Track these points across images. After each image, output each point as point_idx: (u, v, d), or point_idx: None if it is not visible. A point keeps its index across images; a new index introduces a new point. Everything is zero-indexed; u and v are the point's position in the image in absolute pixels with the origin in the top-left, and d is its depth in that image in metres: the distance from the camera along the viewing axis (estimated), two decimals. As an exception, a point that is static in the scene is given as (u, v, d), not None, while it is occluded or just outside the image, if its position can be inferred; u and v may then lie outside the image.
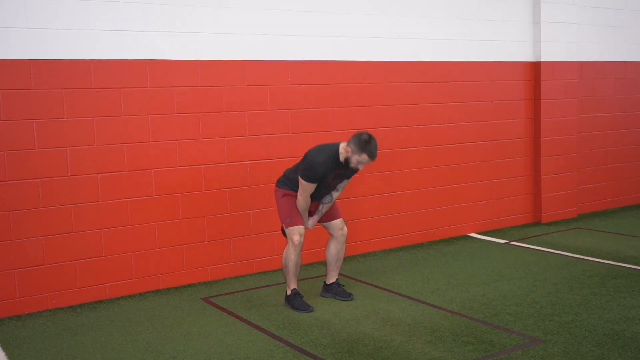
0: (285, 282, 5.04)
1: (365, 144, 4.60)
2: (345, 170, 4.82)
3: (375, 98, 6.52)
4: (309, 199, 4.87)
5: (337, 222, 5.06)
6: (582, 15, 7.99)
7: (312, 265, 6.13)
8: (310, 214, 5.02)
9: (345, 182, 4.99)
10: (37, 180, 4.99)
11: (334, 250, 5.09)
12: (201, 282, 5.70)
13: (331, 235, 5.10)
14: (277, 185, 5.01)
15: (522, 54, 7.56)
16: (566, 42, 7.75)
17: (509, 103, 7.51)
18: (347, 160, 4.71)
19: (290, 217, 4.86)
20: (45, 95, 4.98)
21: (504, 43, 7.40)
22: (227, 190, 5.79)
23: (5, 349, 4.31)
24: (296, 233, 4.85)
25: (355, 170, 4.83)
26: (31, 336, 4.54)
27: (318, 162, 4.69)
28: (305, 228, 4.98)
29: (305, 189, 4.78)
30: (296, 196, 4.89)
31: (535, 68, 7.63)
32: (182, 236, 5.61)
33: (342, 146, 4.73)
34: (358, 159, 4.65)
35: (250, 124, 5.85)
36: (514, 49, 7.48)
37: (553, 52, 7.64)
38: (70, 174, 5.11)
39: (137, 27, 5.28)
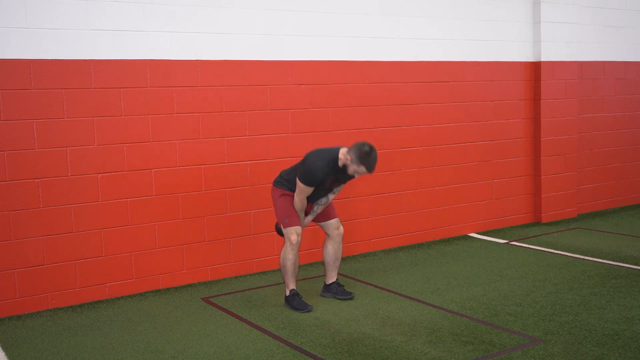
0: (284, 283, 5.04)
1: (366, 155, 4.60)
2: (343, 175, 4.83)
3: (375, 98, 6.52)
4: (305, 201, 4.89)
5: (333, 222, 5.07)
6: (582, 15, 7.99)
7: (312, 265, 6.13)
8: (305, 214, 5.03)
9: (342, 185, 5.00)
10: (37, 180, 4.99)
11: (332, 250, 5.09)
12: (201, 282, 5.70)
13: (327, 235, 5.11)
14: (274, 185, 5.02)
15: (522, 54, 7.56)
16: (566, 42, 7.75)
17: (509, 103, 7.51)
18: (345, 166, 4.72)
19: (288, 217, 4.87)
20: (45, 95, 4.98)
21: (504, 43, 7.40)
22: (227, 190, 5.79)
23: (5, 349, 4.31)
24: (293, 233, 4.85)
25: (353, 176, 4.83)
26: (31, 336, 4.54)
27: (317, 166, 4.69)
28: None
29: (302, 191, 4.79)
30: (293, 196, 4.89)
31: (535, 68, 7.63)
32: (182, 236, 5.61)
33: (342, 152, 4.73)
34: (356, 169, 4.65)
35: (250, 124, 5.85)
36: (514, 49, 7.48)
37: (553, 52, 7.64)
38: (70, 174, 5.12)
39: (137, 27, 5.28)
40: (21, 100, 4.90)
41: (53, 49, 4.98)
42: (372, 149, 4.63)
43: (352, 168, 4.67)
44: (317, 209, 5.00)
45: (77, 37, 5.06)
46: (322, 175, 4.71)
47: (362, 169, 4.63)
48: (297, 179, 4.77)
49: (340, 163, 4.73)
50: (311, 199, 4.93)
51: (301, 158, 5.04)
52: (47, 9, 4.93)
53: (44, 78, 4.97)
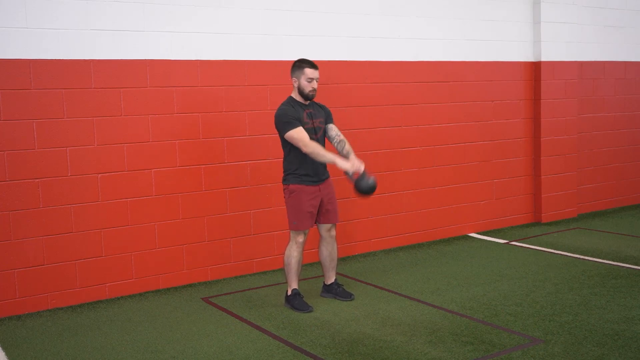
0: (287, 282, 5.04)
1: (299, 61, 4.84)
2: (312, 108, 4.89)
3: (375, 98, 6.53)
4: (311, 142, 4.70)
5: (329, 225, 5.06)
6: (582, 15, 7.99)
7: (312, 265, 6.13)
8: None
9: (331, 125, 4.96)
10: (37, 180, 4.99)
11: (326, 252, 5.10)
12: (201, 282, 5.70)
13: (321, 236, 5.11)
14: (283, 182, 4.99)
15: (522, 54, 7.56)
16: (566, 42, 7.75)
17: (509, 103, 7.52)
18: (305, 96, 4.81)
19: (298, 220, 4.84)
20: (45, 95, 4.99)
21: (504, 43, 7.40)
22: (227, 190, 5.79)
23: (5, 349, 4.31)
24: (301, 234, 4.87)
25: (324, 109, 4.95)
26: (31, 336, 4.54)
27: (281, 109, 4.80)
28: (351, 168, 4.62)
29: (300, 137, 4.69)
30: (301, 190, 4.84)
31: (535, 68, 7.63)
32: (182, 236, 5.61)
33: (292, 92, 4.90)
34: (304, 78, 4.79)
35: (250, 124, 5.85)
36: (514, 49, 7.48)
37: (553, 52, 7.65)
38: (70, 174, 5.12)
39: (137, 27, 5.29)
40: (21, 100, 4.90)
41: (53, 49, 4.98)
42: (302, 58, 4.88)
43: (302, 83, 4.80)
44: (345, 146, 4.83)
45: (77, 37, 5.06)
46: (291, 112, 4.75)
47: (306, 70, 4.78)
48: (285, 136, 4.74)
49: (295, 96, 4.86)
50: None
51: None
52: (47, 9, 4.93)
53: (44, 78, 4.97)
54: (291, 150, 4.82)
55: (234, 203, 5.83)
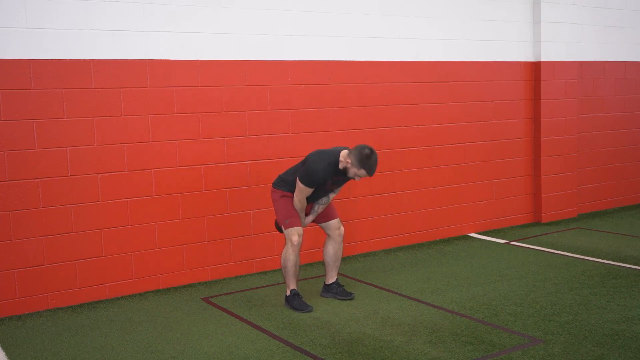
0: (285, 283, 5.04)
1: (366, 159, 4.63)
2: (343, 177, 4.85)
3: (375, 98, 6.52)
4: (305, 201, 4.89)
5: (334, 222, 5.07)
6: (582, 15, 7.99)
7: (312, 265, 6.13)
8: (306, 214, 5.04)
9: (341, 186, 5.02)
10: (37, 180, 4.99)
11: (332, 251, 5.10)
12: (201, 282, 5.70)
13: (328, 235, 5.11)
14: (273, 187, 5.01)
15: (522, 54, 7.56)
16: (566, 42, 7.75)
17: (509, 103, 7.51)
18: (345, 169, 4.74)
19: (290, 217, 4.87)
20: (45, 95, 4.98)
21: (504, 43, 7.40)
22: (227, 190, 5.79)
23: (5, 349, 4.31)
24: (295, 234, 4.86)
25: (353, 178, 4.84)
26: (31, 336, 4.54)
27: (318, 168, 4.70)
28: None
29: (302, 191, 4.80)
30: (293, 197, 4.90)
31: (535, 68, 7.63)
32: (182, 236, 5.61)
33: (343, 155, 4.73)
34: (357, 172, 4.69)
35: (250, 124, 5.85)
36: (514, 49, 7.48)
37: (553, 52, 7.64)
38: (70, 174, 5.11)
39: (137, 27, 5.28)
40: (21, 100, 4.90)
41: (53, 49, 4.98)
42: (372, 152, 4.65)
43: (352, 171, 4.70)
44: (318, 208, 5.00)
45: (77, 37, 5.06)
46: (322, 176, 4.71)
47: (363, 172, 4.67)
48: (298, 180, 4.77)
49: (340, 165, 4.75)
50: (311, 199, 4.94)
51: (301, 158, 5.04)
52: (47, 9, 4.93)
53: (44, 78, 4.97)
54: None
55: (234, 203, 5.82)
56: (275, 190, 4.99)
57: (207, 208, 5.70)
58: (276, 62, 5.92)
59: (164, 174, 5.49)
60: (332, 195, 5.01)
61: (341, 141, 6.14)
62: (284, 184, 4.94)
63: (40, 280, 5.06)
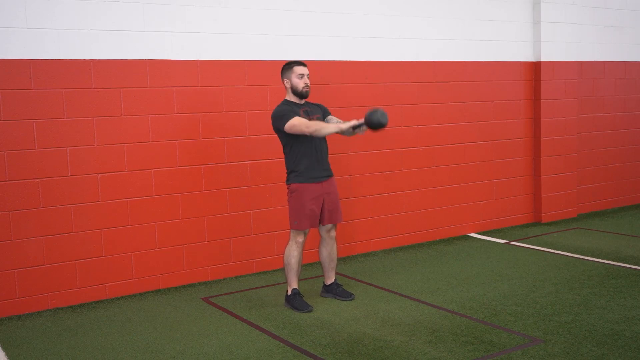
0: (286, 281, 5.04)
1: (287, 63, 4.92)
2: (308, 107, 4.92)
3: (375, 98, 6.52)
4: (312, 122, 4.72)
5: (329, 225, 5.06)
6: (582, 15, 7.99)
7: (312, 265, 6.13)
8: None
9: (330, 116, 5.02)
10: (37, 180, 4.99)
11: (325, 252, 5.10)
12: (201, 282, 5.70)
13: (321, 237, 5.11)
14: (285, 183, 4.99)
15: (522, 54, 7.56)
16: (566, 42, 7.75)
17: (509, 103, 7.52)
18: (299, 94, 4.84)
19: (298, 219, 4.85)
20: (45, 95, 4.99)
21: (504, 43, 7.40)
22: (227, 190, 5.79)
23: (5, 349, 4.31)
24: (301, 235, 4.89)
25: (320, 106, 4.99)
26: (31, 336, 4.54)
27: (277, 108, 4.86)
28: (355, 121, 4.62)
29: (300, 121, 4.68)
30: (303, 190, 4.83)
31: (535, 68, 7.63)
32: (182, 236, 5.61)
33: (285, 95, 4.93)
34: (295, 76, 4.83)
35: (250, 124, 5.85)
36: (514, 49, 7.48)
37: (553, 52, 7.65)
38: (70, 174, 5.12)
39: (137, 27, 5.28)
40: (21, 100, 4.90)
41: (53, 49, 4.98)
42: (292, 62, 4.93)
43: (294, 81, 4.84)
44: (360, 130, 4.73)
45: (77, 37, 5.06)
46: (287, 108, 4.79)
47: (296, 68, 4.84)
48: (285, 129, 4.74)
49: (290, 97, 4.89)
50: (319, 150, 4.89)
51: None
52: (47, 9, 4.93)
53: (44, 78, 4.97)
54: (291, 148, 4.85)
55: (234, 203, 5.83)
56: (287, 187, 4.97)
57: (207, 208, 5.70)
58: (276, 62, 5.92)
59: (164, 174, 5.49)
60: (359, 130, 4.69)
61: (341, 141, 6.14)
62: (289, 174, 4.92)
63: (40, 280, 5.06)
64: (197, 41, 5.56)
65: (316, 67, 6.14)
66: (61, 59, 5.02)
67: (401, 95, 6.70)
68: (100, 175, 5.23)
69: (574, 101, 7.93)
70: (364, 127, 4.63)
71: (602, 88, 8.35)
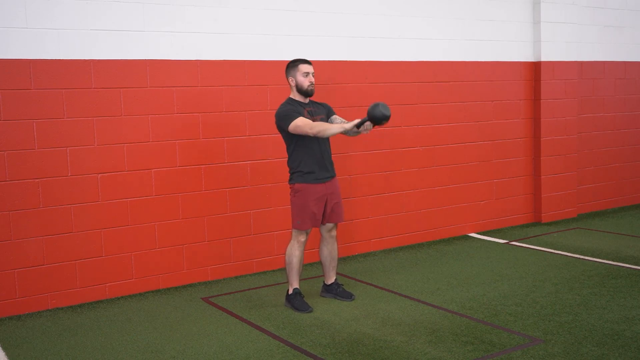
0: (288, 281, 5.04)
1: (291, 61, 4.88)
2: (312, 106, 4.90)
3: (375, 98, 6.52)
4: (315, 123, 4.70)
5: (330, 225, 5.05)
6: (582, 15, 7.99)
7: (312, 265, 6.14)
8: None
9: (335, 116, 5.02)
10: (37, 180, 4.99)
11: (326, 252, 5.10)
12: (201, 282, 5.70)
13: (321, 236, 5.11)
14: (288, 182, 4.98)
15: (522, 54, 7.56)
16: (566, 42, 7.75)
17: (509, 103, 7.52)
18: (304, 92, 4.82)
19: (301, 219, 4.86)
20: (45, 95, 4.99)
21: (504, 43, 7.40)
22: (227, 190, 5.79)
23: (5, 349, 4.31)
24: (304, 235, 4.90)
25: (324, 105, 4.97)
26: (31, 336, 4.54)
27: (281, 107, 4.82)
28: (353, 128, 4.61)
29: (304, 122, 4.66)
30: (306, 190, 4.83)
31: (535, 68, 7.63)
32: (182, 236, 5.61)
33: (290, 84, 4.90)
34: (300, 74, 4.81)
35: (250, 124, 5.85)
36: (514, 49, 7.48)
37: (553, 52, 7.65)
38: (70, 174, 5.12)
39: (137, 27, 5.29)
40: (21, 100, 4.90)
41: (53, 49, 4.98)
42: (296, 59, 4.91)
43: (299, 79, 4.82)
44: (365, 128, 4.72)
45: (77, 37, 5.06)
46: (291, 108, 4.77)
47: (301, 66, 4.82)
48: (289, 130, 4.71)
49: (295, 96, 4.87)
50: (323, 150, 4.88)
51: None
52: (47, 9, 4.93)
53: (44, 78, 4.97)
54: (295, 147, 4.83)
55: (234, 203, 5.83)
56: (290, 187, 4.96)
57: (207, 208, 5.70)
58: (276, 62, 5.92)
59: (164, 174, 5.49)
60: (364, 129, 4.71)
61: (341, 141, 6.14)
62: (293, 174, 4.90)
63: (40, 280, 5.06)
64: (197, 41, 5.56)
65: (316, 67, 6.13)
66: (61, 59, 5.02)
67: (401, 95, 6.70)
68: (100, 175, 5.23)
69: (574, 101, 7.93)
70: (368, 124, 4.64)
71: (602, 88, 8.36)
